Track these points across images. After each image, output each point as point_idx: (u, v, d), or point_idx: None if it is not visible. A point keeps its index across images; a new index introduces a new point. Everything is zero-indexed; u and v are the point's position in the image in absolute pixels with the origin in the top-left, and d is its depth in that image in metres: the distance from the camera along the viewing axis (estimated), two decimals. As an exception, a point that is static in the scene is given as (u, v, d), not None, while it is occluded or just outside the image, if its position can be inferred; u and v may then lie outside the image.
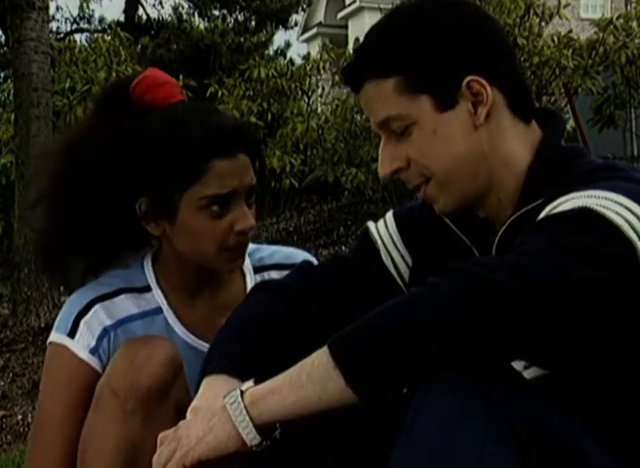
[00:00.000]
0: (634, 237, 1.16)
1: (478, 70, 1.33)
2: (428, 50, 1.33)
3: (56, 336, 1.64)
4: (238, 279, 1.74)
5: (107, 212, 1.64)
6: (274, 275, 1.75)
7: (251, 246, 1.78)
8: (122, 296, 1.67)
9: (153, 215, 1.62)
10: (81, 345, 1.62)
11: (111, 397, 1.50)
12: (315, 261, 1.73)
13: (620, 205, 1.18)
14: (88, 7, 15.00)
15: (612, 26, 7.81)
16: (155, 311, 1.68)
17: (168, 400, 1.52)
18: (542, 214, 1.25)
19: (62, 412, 1.60)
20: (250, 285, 1.73)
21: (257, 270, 1.76)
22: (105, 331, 1.64)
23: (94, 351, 1.62)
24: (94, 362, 1.62)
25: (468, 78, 1.32)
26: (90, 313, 1.64)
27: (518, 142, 1.37)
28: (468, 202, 1.39)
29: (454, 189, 1.37)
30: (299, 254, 1.81)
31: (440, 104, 1.33)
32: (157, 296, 1.69)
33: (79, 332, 1.63)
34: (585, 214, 1.19)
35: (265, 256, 1.78)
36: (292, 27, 17.22)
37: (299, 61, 11.85)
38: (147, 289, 1.69)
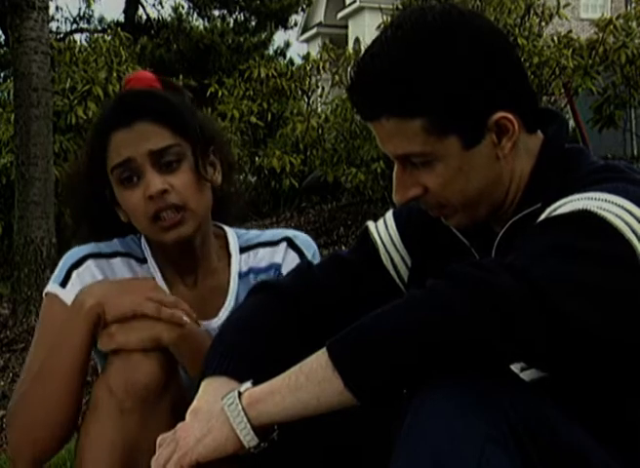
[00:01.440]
0: (634, 239, 1.16)
1: (505, 105, 1.30)
2: (461, 90, 1.27)
3: (50, 287, 1.68)
4: (224, 261, 1.76)
5: (101, 205, 1.70)
6: (261, 252, 1.77)
7: (242, 230, 1.81)
8: (118, 259, 1.70)
9: (113, 201, 1.67)
10: (72, 294, 1.62)
11: (108, 396, 1.50)
12: (311, 243, 1.77)
13: (620, 207, 1.18)
14: (89, 7, 15.03)
15: (612, 26, 7.80)
16: None
17: (165, 398, 1.53)
18: (542, 217, 1.25)
19: (45, 354, 1.60)
20: (235, 263, 1.75)
21: (243, 250, 1.77)
22: None
23: None
24: None
25: (498, 115, 1.29)
26: (83, 266, 1.67)
27: (526, 155, 1.36)
28: (482, 219, 1.39)
29: (469, 212, 1.36)
30: (288, 232, 1.81)
31: (468, 143, 1.30)
32: (152, 268, 1.72)
33: (70, 282, 1.66)
34: (585, 216, 1.18)
35: (253, 237, 1.80)
36: (292, 27, 17.20)
37: (298, 61, 11.86)
38: (145, 260, 1.72)
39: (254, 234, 1.81)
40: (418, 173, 1.33)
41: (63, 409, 1.54)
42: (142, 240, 1.74)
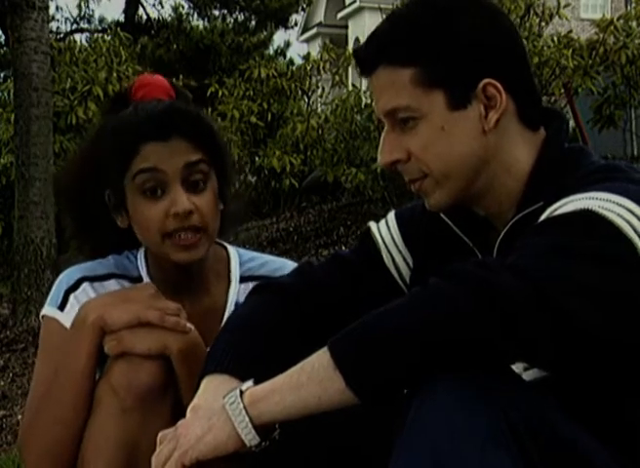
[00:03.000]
0: (635, 238, 1.16)
1: (497, 74, 1.32)
2: (453, 46, 1.32)
3: (47, 310, 1.67)
4: (223, 285, 1.74)
5: (96, 207, 1.68)
6: None
7: (247, 253, 1.78)
8: (112, 281, 1.69)
9: (116, 206, 1.65)
10: (70, 317, 1.62)
11: (110, 395, 1.51)
12: None
13: (622, 206, 1.18)
14: (88, 6, 15.03)
15: (612, 27, 7.80)
16: None
17: (166, 397, 1.53)
18: (544, 216, 1.25)
19: (49, 375, 1.60)
20: (233, 293, 1.73)
21: (243, 279, 1.75)
22: None
23: None
24: None
25: (486, 81, 1.32)
26: (79, 289, 1.66)
27: (523, 149, 1.36)
28: (461, 200, 1.39)
29: (449, 187, 1.37)
30: (289, 267, 1.77)
31: (453, 102, 1.32)
32: None
33: (69, 305, 1.65)
34: (587, 216, 1.18)
35: (255, 267, 1.77)
36: (292, 27, 17.20)
37: (299, 61, 11.86)
38: (139, 279, 1.71)
39: (257, 263, 1.78)
40: (403, 135, 1.36)
41: (77, 425, 1.55)
42: (139, 255, 1.72)
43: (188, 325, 1.55)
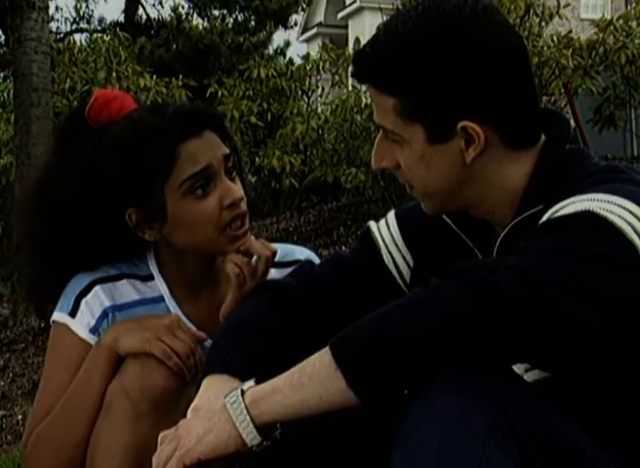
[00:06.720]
0: (636, 239, 1.17)
1: (478, 115, 1.30)
2: (434, 85, 1.30)
3: (58, 316, 1.66)
4: None
5: (99, 234, 1.66)
6: (273, 273, 1.74)
7: None
8: (124, 281, 1.68)
9: (146, 221, 1.63)
10: (81, 324, 1.63)
11: (123, 399, 1.50)
12: (318, 260, 1.74)
13: (622, 208, 1.19)
14: (87, 6, 15.02)
15: (612, 27, 7.80)
16: (156, 299, 1.69)
17: (179, 403, 1.51)
18: (545, 218, 1.25)
19: (60, 388, 1.60)
20: None
21: None
22: (105, 313, 1.65)
23: (94, 330, 1.64)
24: (93, 341, 1.63)
25: (463, 123, 1.30)
26: (90, 293, 1.65)
27: (514, 167, 1.35)
28: (452, 209, 1.41)
29: (434, 201, 1.39)
30: (299, 252, 1.80)
31: (432, 137, 1.32)
32: (160, 285, 1.70)
33: (80, 312, 1.64)
34: (588, 217, 1.19)
35: None
36: (291, 27, 17.17)
37: (298, 61, 11.84)
38: (150, 277, 1.71)
39: None
40: (394, 146, 1.37)
41: (87, 434, 1.55)
42: (149, 256, 1.72)
43: (186, 373, 1.55)
